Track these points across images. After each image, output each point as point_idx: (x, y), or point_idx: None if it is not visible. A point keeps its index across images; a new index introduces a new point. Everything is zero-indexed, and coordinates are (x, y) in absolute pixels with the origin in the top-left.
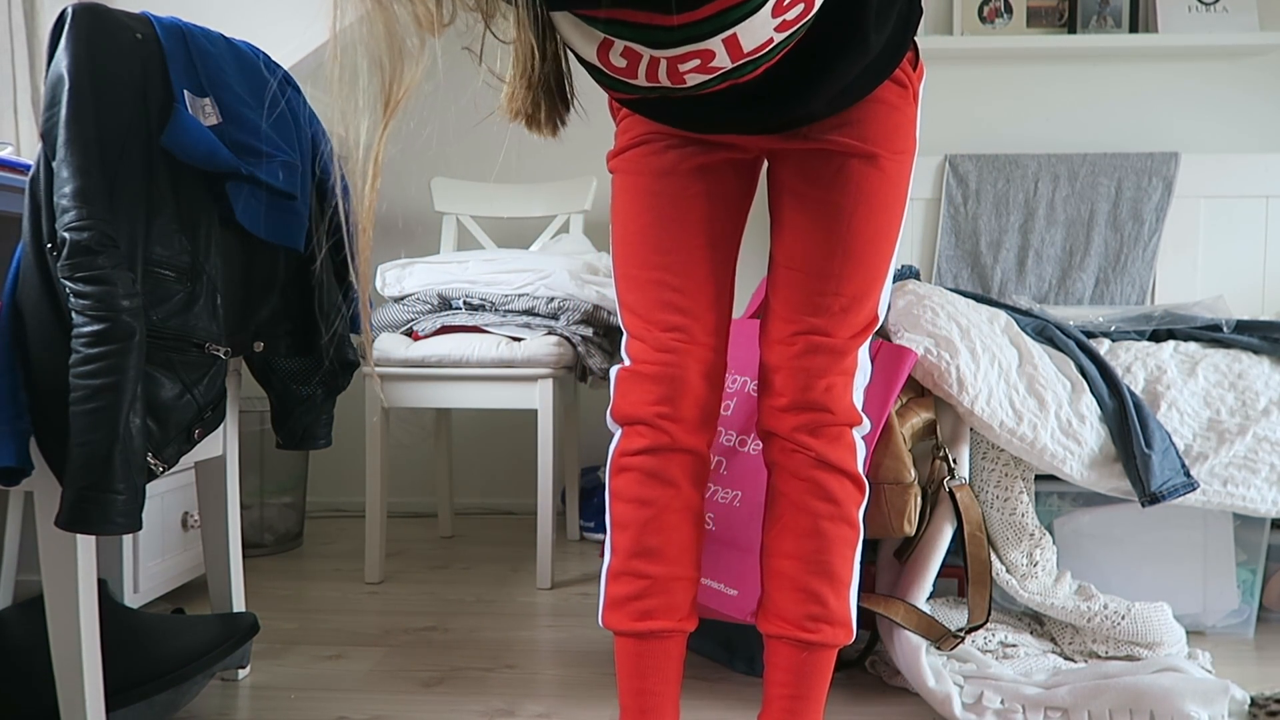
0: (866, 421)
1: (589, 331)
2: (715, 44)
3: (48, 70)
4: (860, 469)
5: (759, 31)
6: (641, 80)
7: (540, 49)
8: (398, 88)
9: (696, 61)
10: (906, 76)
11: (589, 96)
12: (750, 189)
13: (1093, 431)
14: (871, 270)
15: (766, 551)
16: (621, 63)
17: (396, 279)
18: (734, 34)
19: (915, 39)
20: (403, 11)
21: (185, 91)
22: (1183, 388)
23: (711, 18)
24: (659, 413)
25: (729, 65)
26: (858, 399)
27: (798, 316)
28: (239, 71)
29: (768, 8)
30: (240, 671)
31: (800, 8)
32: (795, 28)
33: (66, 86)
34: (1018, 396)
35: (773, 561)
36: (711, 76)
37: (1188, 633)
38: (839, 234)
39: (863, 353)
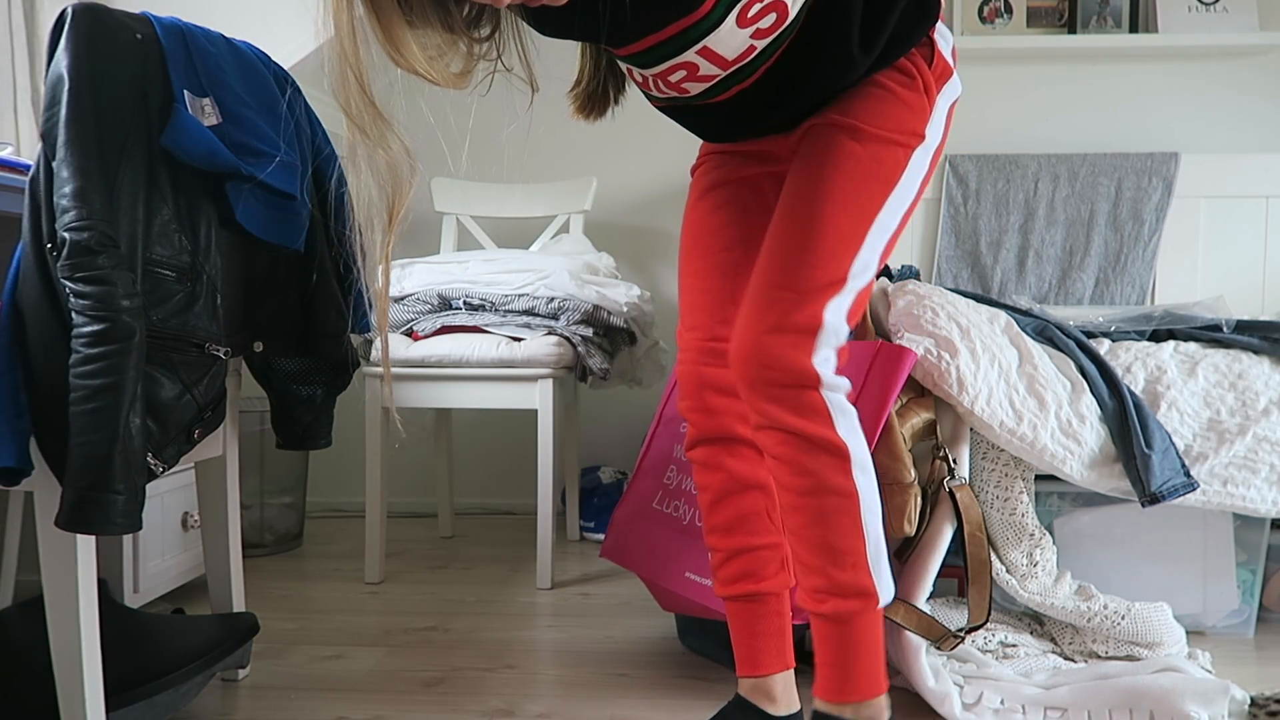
0: (838, 381)
1: (589, 331)
2: (692, 56)
3: (48, 70)
4: (838, 432)
5: (732, 41)
6: (655, 92)
7: (586, 68)
8: (399, 205)
9: (684, 73)
10: (914, 67)
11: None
12: None
13: (1093, 431)
14: (834, 227)
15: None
16: (638, 78)
17: (396, 279)
18: (705, 46)
19: (939, 40)
20: (428, 71)
21: (185, 91)
22: (1183, 388)
23: (675, 37)
24: (687, 406)
25: (722, 72)
26: (821, 358)
27: (759, 290)
28: (239, 71)
29: (731, 19)
30: (240, 671)
31: (773, 17)
32: (775, 34)
33: (66, 86)
34: (1018, 396)
35: (786, 537)
36: (712, 83)
37: (1188, 633)
38: (803, 194)
39: (832, 314)
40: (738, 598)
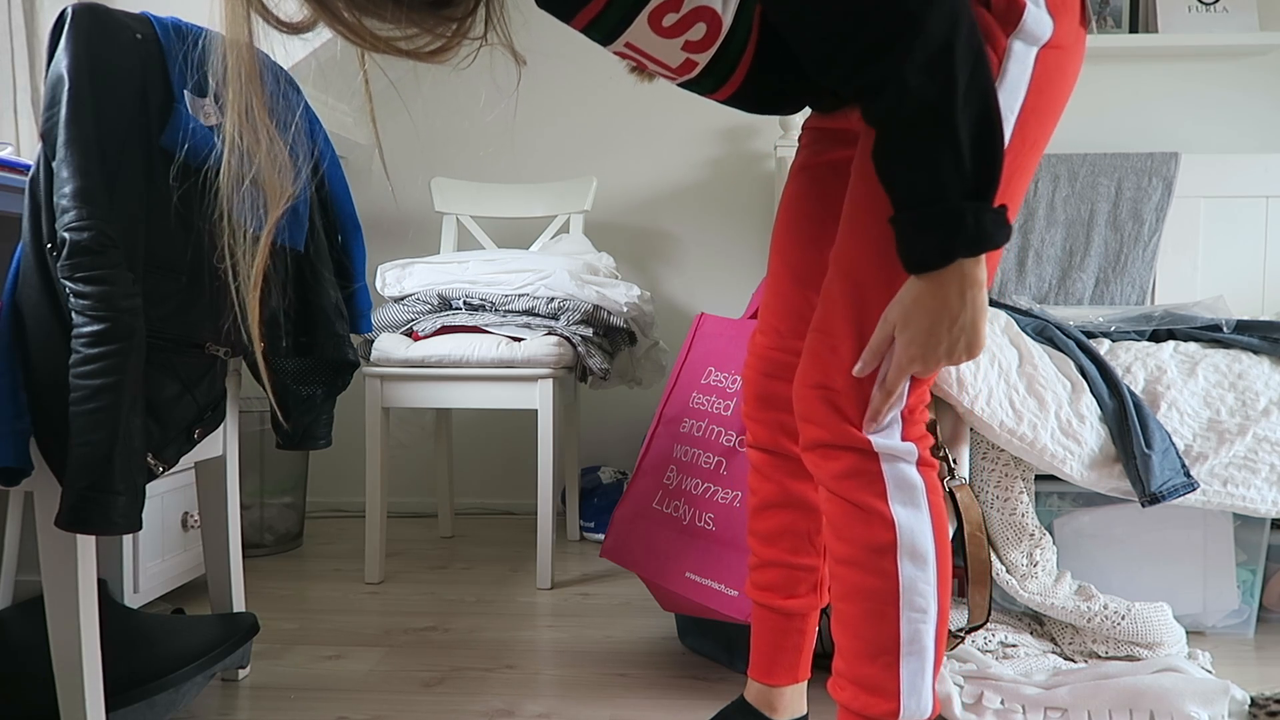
0: (901, 448)
1: (589, 332)
2: (624, 49)
3: (48, 70)
4: (890, 506)
5: (662, 48)
6: None
7: None
8: (273, 214)
9: (633, 63)
10: None
11: (586, 92)
12: None
13: (1093, 431)
14: (865, 258)
15: None
16: None
17: (396, 279)
18: (629, 42)
19: None
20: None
21: (185, 91)
22: (1183, 388)
23: (594, 22)
24: (746, 413)
25: (675, 77)
26: (882, 420)
27: (810, 335)
28: None
29: (642, 22)
30: (240, 671)
31: (703, 28)
32: (712, 48)
33: (66, 86)
34: (1018, 396)
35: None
36: (679, 80)
37: (1188, 633)
38: (843, 222)
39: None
40: (764, 606)
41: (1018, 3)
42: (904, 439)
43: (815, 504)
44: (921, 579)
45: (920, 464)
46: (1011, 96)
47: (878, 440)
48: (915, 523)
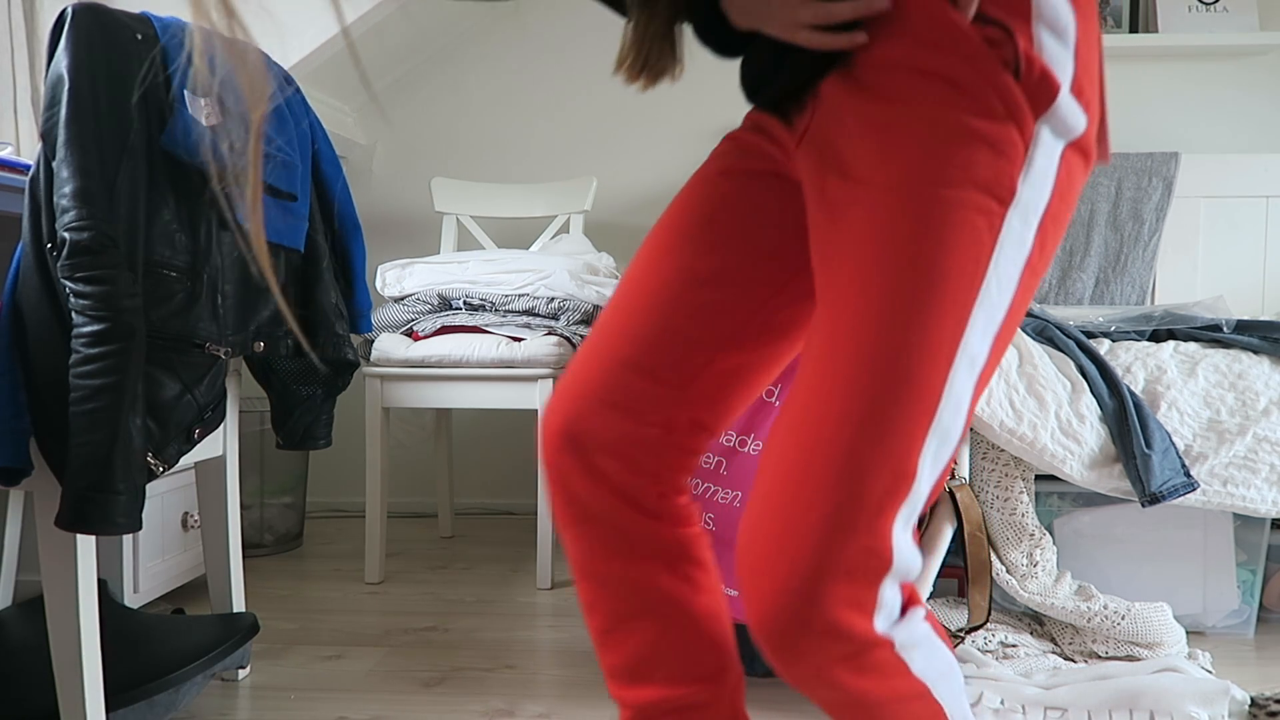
0: (909, 625)
1: (589, 332)
2: None
3: (48, 70)
4: (914, 674)
5: None
6: None
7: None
8: (257, 115)
9: None
10: (980, 69)
11: (586, 92)
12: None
13: (1093, 431)
14: (884, 380)
15: None
16: None
17: (396, 279)
18: None
19: (1038, 28)
20: None
21: (185, 91)
22: (1183, 388)
23: None
24: (548, 460)
25: None
26: (886, 612)
27: (783, 497)
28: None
29: None
30: (240, 671)
31: None
32: None
33: (66, 86)
34: (1018, 396)
35: None
36: None
37: (1188, 633)
38: (829, 325)
39: (900, 533)
40: None
41: (1051, 80)
42: (906, 608)
43: (679, 598)
44: (953, 690)
45: (927, 617)
46: (1036, 193)
47: (898, 635)
48: (935, 663)
